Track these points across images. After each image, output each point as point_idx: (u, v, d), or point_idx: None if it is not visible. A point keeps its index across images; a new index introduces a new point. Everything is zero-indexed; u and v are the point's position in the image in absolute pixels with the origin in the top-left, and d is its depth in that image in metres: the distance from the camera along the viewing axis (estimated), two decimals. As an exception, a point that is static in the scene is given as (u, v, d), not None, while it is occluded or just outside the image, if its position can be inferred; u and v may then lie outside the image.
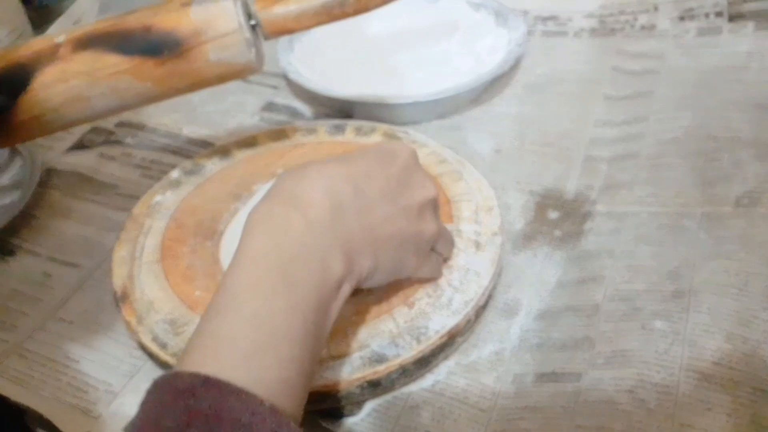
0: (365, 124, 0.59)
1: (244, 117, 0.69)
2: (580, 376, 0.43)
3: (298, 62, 0.70)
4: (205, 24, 0.44)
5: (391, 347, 0.42)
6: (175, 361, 0.42)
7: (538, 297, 0.49)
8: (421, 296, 0.44)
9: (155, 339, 0.44)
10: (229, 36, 0.45)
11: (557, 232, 0.53)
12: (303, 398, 0.30)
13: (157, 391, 0.28)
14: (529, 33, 0.73)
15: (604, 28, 0.74)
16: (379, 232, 0.35)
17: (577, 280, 0.49)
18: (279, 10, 0.46)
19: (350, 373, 0.41)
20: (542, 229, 0.53)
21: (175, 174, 0.56)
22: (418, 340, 0.42)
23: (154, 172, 0.63)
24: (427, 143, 0.57)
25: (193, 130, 0.68)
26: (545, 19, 0.76)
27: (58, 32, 0.46)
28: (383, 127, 0.58)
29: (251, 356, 0.28)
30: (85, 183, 0.63)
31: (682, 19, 0.72)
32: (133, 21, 0.45)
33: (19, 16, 0.78)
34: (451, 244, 0.45)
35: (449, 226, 0.48)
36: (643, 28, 0.73)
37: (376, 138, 0.57)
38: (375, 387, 0.42)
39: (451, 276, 0.45)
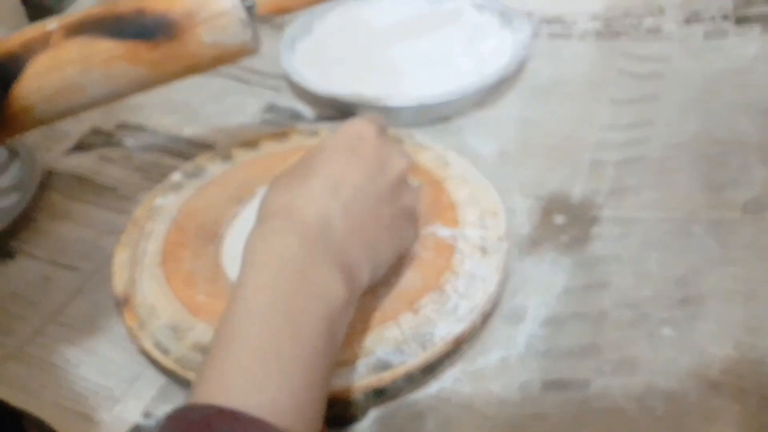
0: (368, 127, 0.59)
1: (245, 118, 0.69)
2: (588, 383, 0.43)
3: (299, 63, 0.69)
4: (198, 5, 0.43)
5: (397, 354, 0.41)
6: (178, 367, 0.42)
7: (545, 303, 0.48)
8: (427, 302, 0.44)
9: (157, 344, 0.43)
10: (224, 16, 0.44)
11: (564, 238, 0.52)
12: (318, 421, 0.30)
13: (171, 424, 0.27)
14: (534, 35, 0.72)
15: (610, 30, 0.73)
16: (370, 232, 0.35)
17: (584, 286, 0.48)
18: None
19: (355, 380, 0.40)
20: (548, 234, 0.53)
21: (176, 177, 0.55)
22: (424, 347, 0.42)
23: (154, 174, 0.62)
24: (431, 146, 0.56)
25: (193, 132, 0.67)
26: (550, 21, 0.76)
27: (50, 20, 0.45)
28: None
29: (262, 385, 0.28)
30: (85, 185, 0.62)
31: (688, 22, 0.71)
32: (125, 5, 0.44)
33: (18, 14, 0.77)
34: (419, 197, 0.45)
35: (454, 231, 0.47)
36: (648, 30, 0.72)
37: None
38: (380, 394, 0.41)
39: (456, 282, 0.45)
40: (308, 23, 0.75)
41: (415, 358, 0.41)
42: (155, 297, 0.46)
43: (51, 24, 0.44)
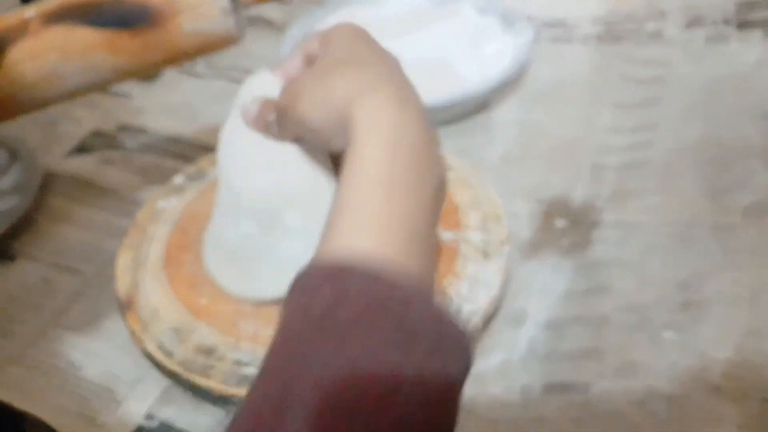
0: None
1: (247, 121, 0.69)
2: (589, 386, 0.43)
3: (302, 66, 0.69)
4: None
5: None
6: (181, 369, 0.42)
7: (546, 306, 0.48)
8: (429, 306, 0.44)
9: (161, 347, 0.43)
10: (205, 4, 0.43)
11: (565, 241, 0.52)
12: (433, 272, 0.31)
13: (301, 279, 0.27)
14: (536, 39, 0.72)
15: (612, 34, 0.73)
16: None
17: (585, 290, 0.49)
18: None
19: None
20: (549, 237, 0.53)
21: (178, 180, 0.55)
22: (427, 351, 0.42)
23: (155, 177, 0.62)
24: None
25: (194, 134, 0.67)
26: (552, 25, 0.76)
27: (27, 7, 0.44)
28: None
29: (388, 232, 0.28)
30: (86, 188, 0.63)
31: (689, 26, 0.72)
32: None
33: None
34: None
35: (456, 235, 0.47)
36: (650, 35, 0.72)
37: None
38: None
39: (459, 285, 0.45)
40: (310, 26, 0.75)
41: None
42: (158, 300, 0.46)
43: (29, 11, 0.44)
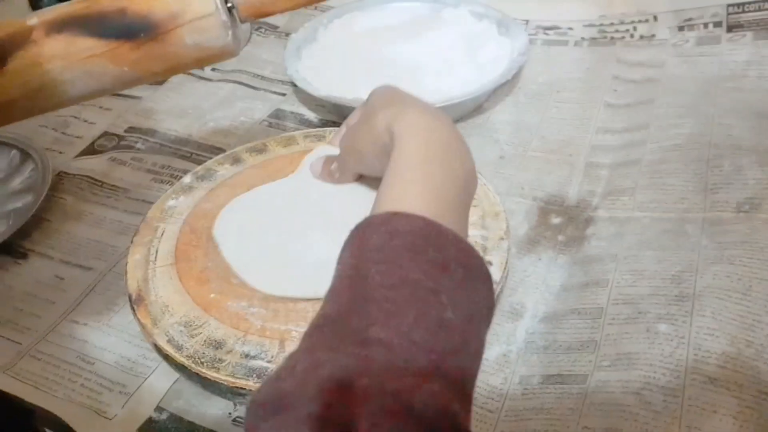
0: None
1: (252, 123, 0.70)
2: (586, 377, 0.44)
3: (305, 70, 0.71)
4: (181, 7, 0.44)
5: (403, 349, 0.42)
6: (191, 363, 0.43)
7: (543, 300, 0.50)
8: (431, 299, 0.45)
9: (171, 341, 0.44)
10: (206, 19, 0.44)
11: (561, 237, 0.54)
12: (466, 236, 0.35)
13: (359, 226, 0.32)
14: (531, 42, 0.74)
15: (604, 37, 0.75)
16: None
17: (581, 284, 0.50)
18: None
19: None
20: (546, 233, 0.54)
21: (187, 179, 0.56)
22: (429, 342, 0.43)
23: (164, 177, 0.64)
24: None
25: (202, 136, 0.69)
26: (546, 29, 0.77)
27: (30, 15, 0.45)
28: None
29: (428, 200, 0.33)
30: (97, 187, 0.64)
31: (681, 29, 0.73)
32: (108, 3, 0.44)
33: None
34: None
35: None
36: (642, 37, 0.74)
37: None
38: (386, 388, 0.42)
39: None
40: (313, 31, 0.76)
41: (420, 353, 0.42)
42: (168, 295, 0.47)
43: (32, 19, 0.44)
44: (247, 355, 0.43)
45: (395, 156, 0.36)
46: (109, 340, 0.50)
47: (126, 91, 0.74)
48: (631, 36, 0.74)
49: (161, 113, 0.72)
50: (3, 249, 0.58)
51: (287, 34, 0.78)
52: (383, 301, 0.29)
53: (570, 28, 0.77)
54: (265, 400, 0.27)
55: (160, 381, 0.47)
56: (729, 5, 0.73)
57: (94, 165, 0.66)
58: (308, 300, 0.45)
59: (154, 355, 0.47)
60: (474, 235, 0.49)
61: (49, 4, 0.89)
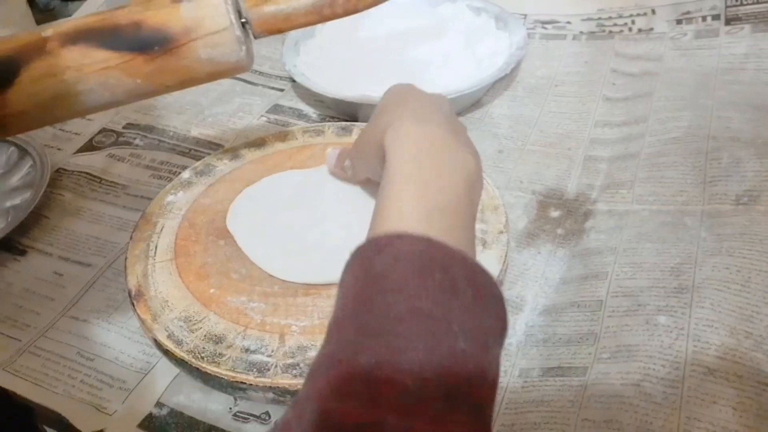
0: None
1: (251, 119, 0.70)
2: (586, 370, 0.44)
3: (303, 65, 0.71)
4: (195, 21, 0.44)
5: (402, 342, 0.42)
6: (191, 358, 0.43)
7: (543, 293, 0.50)
8: (431, 292, 0.45)
9: (170, 336, 0.44)
10: (219, 34, 0.44)
11: (560, 230, 0.54)
12: (473, 253, 0.35)
13: (360, 250, 0.31)
14: (529, 36, 0.74)
15: (603, 31, 0.75)
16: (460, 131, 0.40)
17: (580, 277, 0.50)
18: (269, 8, 0.46)
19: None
20: (545, 227, 0.54)
21: (186, 174, 0.56)
22: (429, 336, 0.43)
23: (163, 173, 0.64)
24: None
25: (201, 132, 0.69)
26: (544, 23, 0.77)
27: (45, 26, 0.45)
28: None
29: (429, 215, 0.32)
30: (95, 183, 0.64)
31: (679, 22, 0.73)
32: (123, 16, 0.44)
33: (26, 18, 0.79)
34: None
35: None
36: (640, 30, 0.74)
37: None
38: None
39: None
40: (311, 27, 0.76)
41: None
42: (168, 290, 0.47)
43: (47, 31, 0.44)
44: (247, 350, 0.43)
45: (388, 171, 0.35)
46: (109, 336, 0.50)
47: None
48: (630, 29, 0.74)
49: (159, 109, 0.72)
50: (1, 246, 0.58)
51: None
52: (391, 335, 0.28)
53: (568, 22, 0.77)
54: None
55: (161, 376, 0.47)
56: (727, -2, 0.73)
57: (92, 161, 0.66)
58: (316, 288, 0.46)
59: (154, 350, 0.47)
60: (473, 229, 0.50)
61: (46, 3, 0.90)
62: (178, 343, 0.44)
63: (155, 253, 0.49)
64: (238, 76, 0.75)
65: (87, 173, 0.65)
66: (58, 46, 0.44)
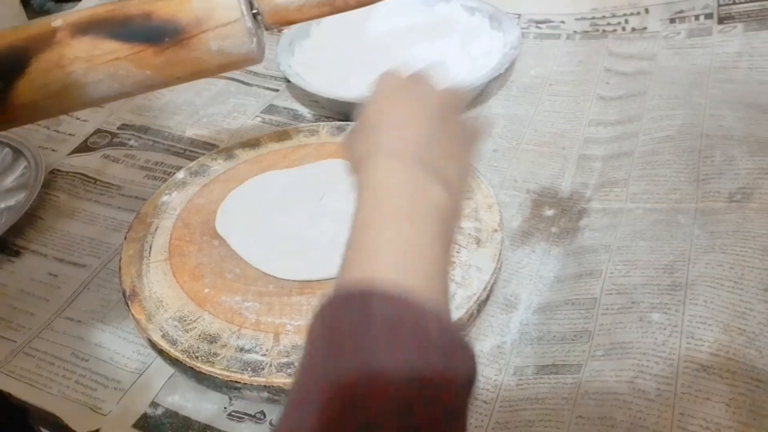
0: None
1: (245, 119, 0.70)
2: (580, 367, 0.44)
3: (298, 66, 0.71)
4: (206, 12, 0.43)
5: (397, 341, 0.43)
6: (185, 357, 0.43)
7: (537, 291, 0.50)
8: (425, 291, 0.45)
9: (165, 336, 0.44)
10: (231, 25, 0.44)
11: (554, 229, 0.54)
12: (446, 293, 0.34)
13: (325, 307, 0.30)
14: (523, 36, 0.74)
15: (596, 30, 0.75)
16: (445, 145, 0.38)
17: (574, 275, 0.50)
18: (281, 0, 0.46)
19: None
20: (539, 225, 0.55)
21: (180, 175, 0.56)
22: (423, 334, 0.43)
23: (157, 173, 0.64)
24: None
25: (195, 132, 0.69)
26: (538, 22, 0.78)
27: (55, 16, 0.45)
28: None
29: (403, 261, 0.32)
30: (90, 184, 0.64)
31: (672, 21, 0.73)
32: (134, 7, 0.44)
33: (20, 19, 0.78)
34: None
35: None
36: (634, 30, 0.74)
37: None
38: (381, 380, 0.42)
39: (453, 271, 0.46)
40: (306, 27, 0.76)
41: (414, 345, 0.42)
42: (162, 290, 0.47)
43: (56, 21, 0.44)
44: (241, 349, 0.43)
45: (359, 213, 0.34)
46: (104, 337, 0.50)
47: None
48: (623, 29, 0.74)
49: (154, 110, 0.72)
50: (-4, 247, 0.58)
51: (280, 30, 0.78)
52: (366, 363, 0.27)
53: (562, 22, 0.77)
54: None
55: (155, 376, 0.47)
56: (719, -3, 0.73)
57: (87, 162, 0.66)
58: (310, 287, 0.46)
59: (149, 350, 0.47)
60: (467, 227, 0.50)
61: (41, 3, 0.90)
62: (173, 342, 0.44)
63: (150, 253, 0.49)
64: (233, 76, 0.76)
65: (82, 174, 0.65)
66: (68, 36, 0.43)
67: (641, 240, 0.51)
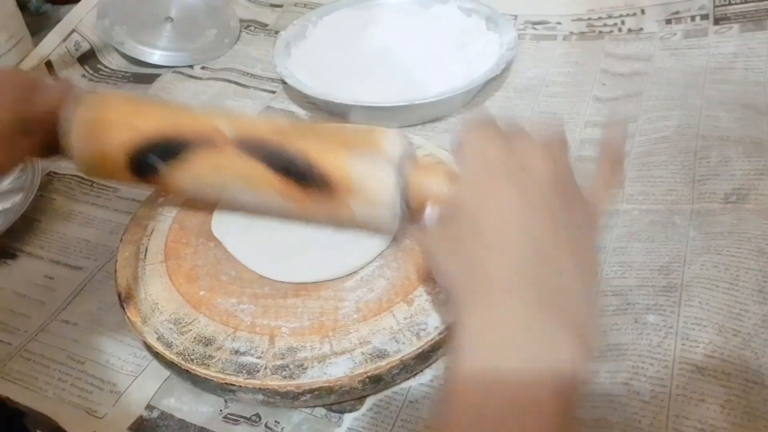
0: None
1: (241, 121, 0.70)
2: (576, 368, 0.44)
3: (294, 67, 0.71)
4: (360, 183, 0.43)
5: (392, 343, 0.43)
6: (180, 360, 0.43)
7: (533, 293, 0.50)
8: (420, 293, 0.45)
9: (160, 338, 0.44)
10: (379, 205, 0.43)
11: (551, 230, 0.54)
12: None
13: None
14: (520, 37, 0.74)
15: (593, 31, 0.75)
16: (566, 260, 0.30)
17: (571, 277, 0.50)
18: (429, 183, 0.43)
19: (352, 368, 0.42)
20: (536, 227, 0.54)
21: (176, 177, 0.56)
22: (418, 336, 0.43)
23: (154, 176, 0.64)
24: (423, 145, 0.58)
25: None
26: (535, 23, 0.78)
27: (221, 116, 0.46)
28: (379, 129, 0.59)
29: None
30: (86, 186, 0.64)
31: (668, 22, 0.73)
32: (298, 146, 0.44)
33: (17, 21, 0.78)
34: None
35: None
36: (630, 31, 0.74)
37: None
38: (376, 382, 0.42)
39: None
40: (302, 29, 0.76)
41: (410, 347, 0.43)
42: (158, 293, 0.47)
43: (219, 120, 0.45)
44: (237, 352, 0.43)
45: (446, 376, 0.28)
46: (99, 339, 0.50)
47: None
48: (619, 30, 0.74)
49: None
50: (-8, 249, 0.58)
51: (276, 32, 0.78)
52: None
53: (558, 23, 0.77)
54: None
55: (151, 379, 0.47)
56: (715, -2, 0.73)
57: (83, 164, 0.66)
58: (306, 289, 0.46)
59: (144, 353, 0.47)
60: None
61: (37, 6, 0.89)
62: (168, 345, 0.44)
63: (145, 255, 0.49)
64: (230, 78, 0.76)
65: (78, 176, 0.65)
66: (230, 146, 0.44)
67: (637, 241, 0.51)
